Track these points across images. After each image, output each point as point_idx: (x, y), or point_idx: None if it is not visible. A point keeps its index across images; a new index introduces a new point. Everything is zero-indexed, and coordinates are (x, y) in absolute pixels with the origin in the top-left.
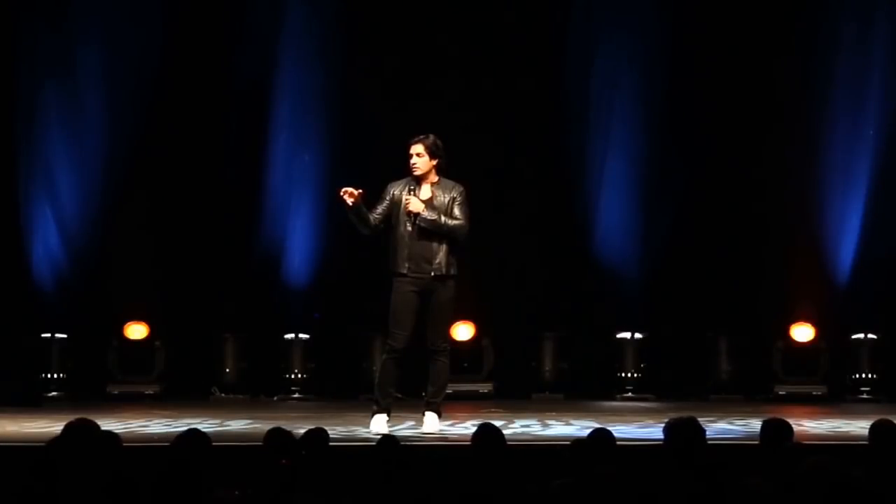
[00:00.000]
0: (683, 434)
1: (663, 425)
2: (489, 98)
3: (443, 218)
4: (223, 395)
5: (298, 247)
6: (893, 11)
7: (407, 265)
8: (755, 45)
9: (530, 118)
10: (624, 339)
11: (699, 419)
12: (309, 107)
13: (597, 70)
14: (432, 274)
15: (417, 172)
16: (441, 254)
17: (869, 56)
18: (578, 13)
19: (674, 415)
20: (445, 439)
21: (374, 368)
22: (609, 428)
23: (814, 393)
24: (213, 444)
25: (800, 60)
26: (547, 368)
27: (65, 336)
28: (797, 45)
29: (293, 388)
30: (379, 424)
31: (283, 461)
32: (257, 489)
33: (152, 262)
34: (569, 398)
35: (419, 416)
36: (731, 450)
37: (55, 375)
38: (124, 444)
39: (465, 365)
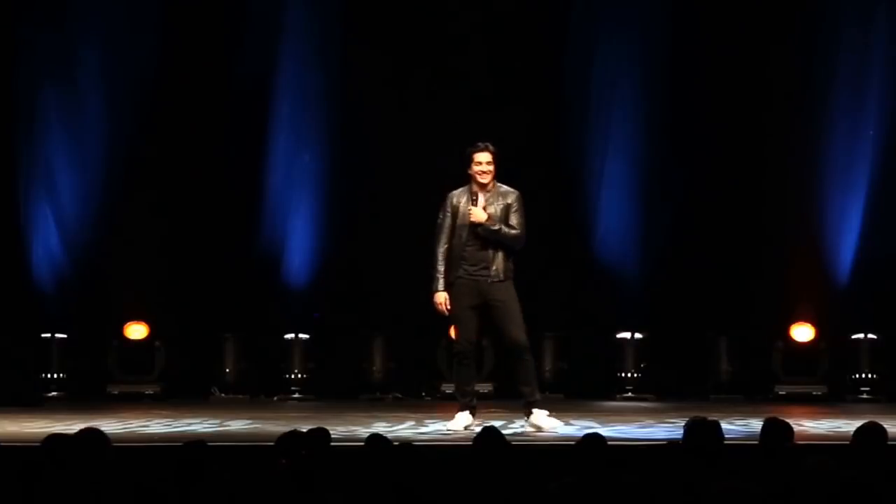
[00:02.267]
0: (704, 435)
1: (684, 424)
2: (489, 98)
3: (502, 228)
4: (223, 395)
5: (298, 247)
6: (893, 11)
7: (462, 270)
8: (755, 45)
9: (530, 118)
10: (624, 339)
11: (704, 417)
12: (309, 107)
13: (597, 70)
14: (489, 280)
15: (486, 180)
16: (496, 261)
17: (869, 56)
18: (578, 13)
19: (677, 415)
20: (445, 439)
21: (375, 368)
22: (609, 428)
23: (814, 393)
24: (214, 444)
25: (800, 61)
26: (547, 368)
27: (65, 336)
28: (797, 45)
29: (293, 388)
30: (462, 421)
31: (283, 461)
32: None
33: (152, 263)
34: (569, 398)
35: (420, 416)
36: (731, 450)
37: (55, 375)
38: (124, 445)
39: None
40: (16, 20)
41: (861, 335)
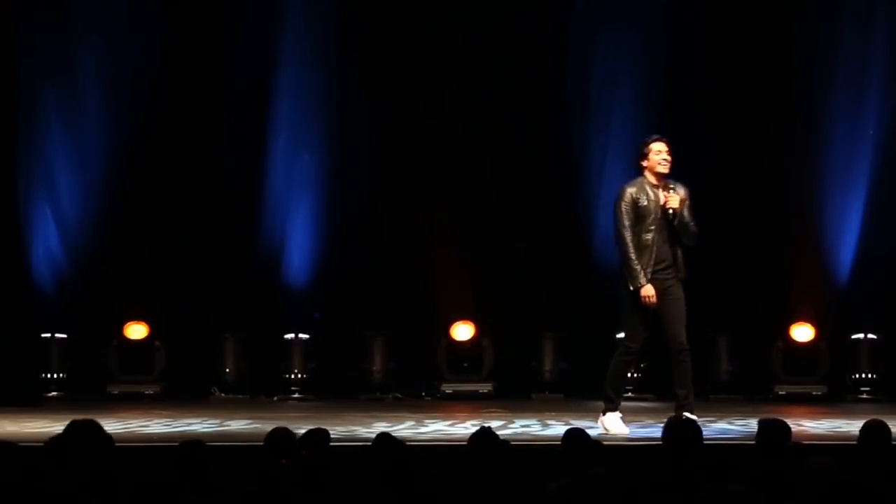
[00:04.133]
0: (681, 434)
1: (663, 424)
2: (489, 98)
3: (692, 220)
4: (223, 395)
5: (298, 247)
6: (893, 11)
7: (650, 269)
8: (755, 45)
9: (530, 118)
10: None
11: (699, 419)
12: (309, 107)
13: (597, 70)
14: (673, 278)
15: (668, 169)
16: (679, 258)
17: (869, 56)
18: (578, 13)
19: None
20: (445, 439)
21: (375, 368)
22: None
23: (814, 393)
24: (214, 444)
25: (800, 60)
26: (547, 368)
27: (65, 336)
28: (797, 45)
29: (293, 388)
30: (615, 423)
31: (283, 461)
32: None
33: (152, 262)
34: (569, 398)
35: (420, 416)
36: (731, 450)
37: (55, 375)
38: (125, 445)
39: (465, 365)
40: (16, 20)
41: (861, 335)
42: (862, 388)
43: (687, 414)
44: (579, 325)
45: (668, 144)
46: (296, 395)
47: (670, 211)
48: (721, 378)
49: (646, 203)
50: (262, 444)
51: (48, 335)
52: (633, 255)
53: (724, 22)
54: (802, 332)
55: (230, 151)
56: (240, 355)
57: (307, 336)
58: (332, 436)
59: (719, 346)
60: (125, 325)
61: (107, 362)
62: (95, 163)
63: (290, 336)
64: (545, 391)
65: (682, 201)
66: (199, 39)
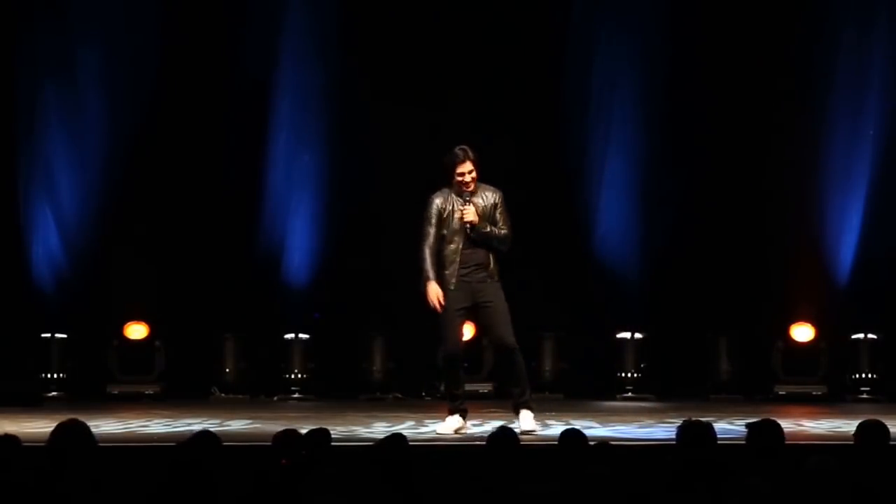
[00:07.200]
0: (696, 436)
1: (677, 426)
2: (488, 98)
3: (493, 229)
4: (223, 395)
5: (298, 247)
6: (893, 12)
7: (455, 274)
8: (755, 45)
9: (530, 118)
10: (624, 339)
11: (698, 419)
12: (309, 107)
13: (597, 70)
14: (482, 281)
15: (471, 189)
16: (488, 261)
17: (869, 56)
18: (578, 13)
19: (676, 414)
20: (445, 439)
21: (375, 368)
22: (609, 428)
23: (814, 393)
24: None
25: (800, 60)
26: (547, 368)
27: (65, 336)
28: (797, 45)
29: (293, 388)
30: (452, 424)
31: (284, 461)
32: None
33: (152, 262)
34: (569, 398)
35: (420, 416)
36: (731, 450)
37: (55, 375)
38: (124, 445)
39: (465, 365)
40: (16, 20)
41: (861, 335)
42: (862, 388)
43: (523, 411)
44: (579, 325)
45: (473, 160)
46: (296, 395)
47: (467, 225)
48: (721, 378)
49: (447, 215)
50: (261, 444)
51: (48, 335)
52: (424, 257)
53: (724, 22)
54: (802, 332)
55: (230, 151)
56: (240, 355)
57: (307, 336)
58: (332, 436)
59: (719, 346)
60: (125, 325)
61: (107, 362)
62: (95, 163)
63: (290, 336)
64: (545, 391)
65: (480, 212)
66: (199, 39)
